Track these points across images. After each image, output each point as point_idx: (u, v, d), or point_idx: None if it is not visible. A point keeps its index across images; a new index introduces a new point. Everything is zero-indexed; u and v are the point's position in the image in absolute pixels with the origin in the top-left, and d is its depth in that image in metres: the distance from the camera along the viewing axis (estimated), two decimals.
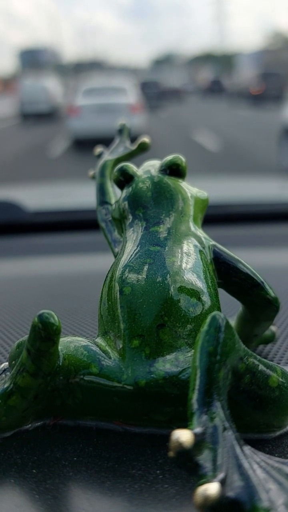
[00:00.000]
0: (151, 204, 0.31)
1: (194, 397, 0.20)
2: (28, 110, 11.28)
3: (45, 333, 0.24)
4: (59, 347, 0.26)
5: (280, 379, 0.25)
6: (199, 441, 0.19)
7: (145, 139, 0.39)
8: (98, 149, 0.41)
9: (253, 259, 0.35)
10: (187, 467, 0.18)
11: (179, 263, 0.28)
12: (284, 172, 3.52)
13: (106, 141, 0.58)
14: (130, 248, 0.30)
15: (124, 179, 0.33)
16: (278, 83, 14.87)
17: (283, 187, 1.09)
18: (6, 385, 0.26)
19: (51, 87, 12.29)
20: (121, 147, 0.41)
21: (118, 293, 0.28)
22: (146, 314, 0.26)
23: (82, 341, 0.28)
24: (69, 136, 6.44)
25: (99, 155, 0.41)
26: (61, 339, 0.27)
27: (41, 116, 10.99)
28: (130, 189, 0.33)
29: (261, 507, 0.17)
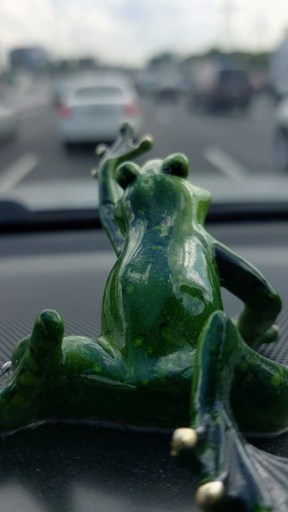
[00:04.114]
0: (154, 203, 0.31)
1: (197, 396, 0.20)
2: (58, 100, 17.05)
3: (48, 332, 0.24)
4: (62, 346, 0.26)
5: (282, 378, 0.25)
6: (201, 440, 0.19)
7: (148, 138, 0.39)
8: (101, 148, 0.41)
9: (255, 257, 0.35)
10: (190, 466, 0.18)
11: (181, 262, 0.28)
12: (280, 171, 3.97)
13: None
14: (132, 247, 0.30)
15: (127, 178, 0.33)
16: (242, 84, 11.73)
17: (280, 186, 1.09)
18: (9, 384, 0.26)
19: (70, 85, 16.81)
20: (124, 146, 0.41)
21: (120, 292, 0.28)
22: (149, 313, 0.26)
23: (85, 340, 0.28)
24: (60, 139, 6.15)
25: (102, 154, 0.41)
26: (64, 338, 0.27)
27: None
28: (133, 188, 0.33)
29: (263, 506, 0.18)
